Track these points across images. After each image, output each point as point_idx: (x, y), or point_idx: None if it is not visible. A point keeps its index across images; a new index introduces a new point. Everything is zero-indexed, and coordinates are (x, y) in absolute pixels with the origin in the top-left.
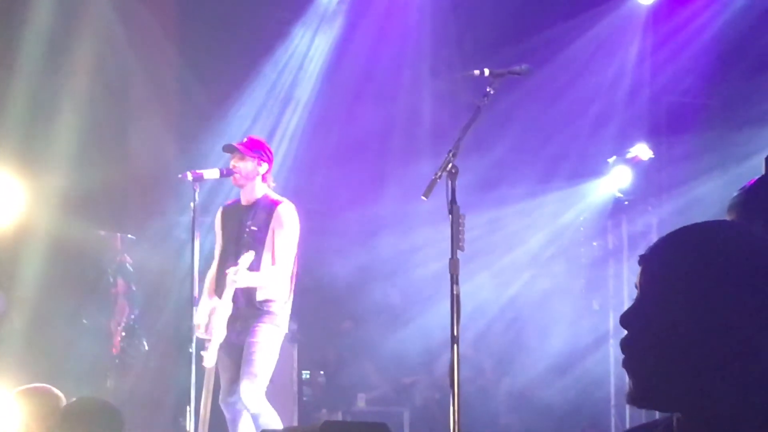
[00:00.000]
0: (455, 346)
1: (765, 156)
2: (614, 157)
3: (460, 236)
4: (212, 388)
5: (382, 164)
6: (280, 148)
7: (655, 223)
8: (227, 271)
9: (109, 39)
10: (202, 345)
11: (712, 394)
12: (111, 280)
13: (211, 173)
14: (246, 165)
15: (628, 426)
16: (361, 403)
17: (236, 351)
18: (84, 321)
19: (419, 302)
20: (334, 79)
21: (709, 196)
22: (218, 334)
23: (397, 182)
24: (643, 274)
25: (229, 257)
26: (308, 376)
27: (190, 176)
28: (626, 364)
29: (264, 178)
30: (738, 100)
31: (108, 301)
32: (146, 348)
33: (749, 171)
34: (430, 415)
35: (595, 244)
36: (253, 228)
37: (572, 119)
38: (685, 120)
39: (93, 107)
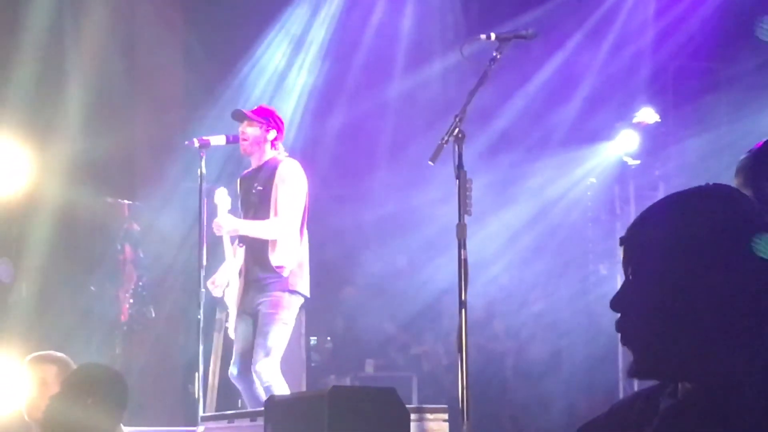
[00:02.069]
0: (463, 311)
1: None
2: (621, 122)
3: (468, 201)
4: (221, 354)
5: (389, 133)
6: (287, 113)
7: (663, 187)
8: (214, 220)
9: (115, 6)
10: (213, 312)
11: (711, 362)
12: (119, 247)
13: (218, 140)
14: (253, 130)
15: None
16: (369, 368)
17: (249, 318)
18: (92, 288)
19: (426, 267)
20: (339, 48)
21: (717, 160)
22: (233, 300)
23: (402, 148)
24: (626, 254)
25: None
26: (315, 342)
27: (196, 143)
28: (624, 342)
29: (273, 145)
30: (744, 63)
31: (116, 269)
32: (154, 315)
33: (757, 134)
34: (439, 380)
35: (602, 208)
36: (259, 188)
37: (579, 84)
38: (692, 83)
39: (99, 75)
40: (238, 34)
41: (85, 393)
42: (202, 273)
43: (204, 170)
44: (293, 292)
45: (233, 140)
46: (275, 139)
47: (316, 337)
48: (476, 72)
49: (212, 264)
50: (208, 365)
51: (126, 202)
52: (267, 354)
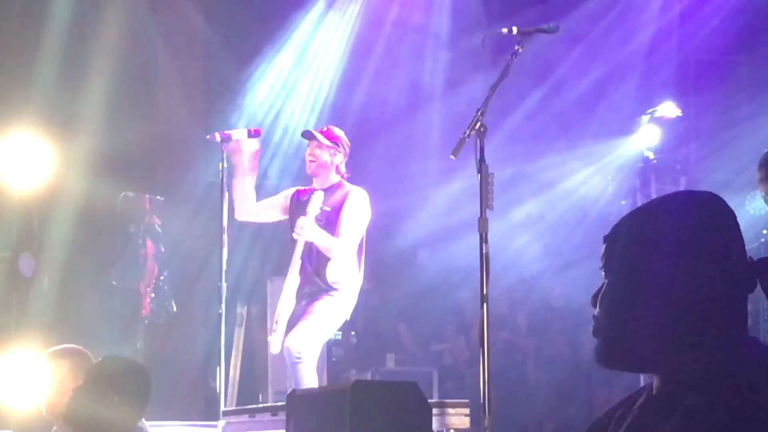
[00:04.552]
0: (485, 305)
1: None
2: (644, 116)
3: (489, 195)
4: (242, 349)
5: (409, 126)
6: (305, 108)
7: (684, 182)
8: (297, 221)
9: (135, 1)
10: (234, 307)
11: (680, 353)
12: (140, 241)
13: (239, 134)
14: (321, 153)
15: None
16: (390, 363)
17: None
18: (113, 283)
19: (449, 262)
20: (359, 40)
21: (738, 153)
22: (286, 310)
23: (424, 142)
24: (606, 252)
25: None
26: (339, 337)
27: (218, 137)
28: (595, 332)
29: (338, 169)
30: (766, 56)
31: (137, 263)
32: (175, 309)
33: None
34: (459, 374)
35: (623, 203)
36: (326, 209)
37: (599, 77)
38: (713, 78)
39: (121, 69)
40: (259, 26)
41: (107, 386)
42: (224, 267)
43: (225, 164)
44: (341, 302)
45: (254, 134)
46: (341, 162)
47: (340, 332)
48: (497, 66)
49: (233, 258)
50: (230, 360)
51: (147, 196)
52: (304, 331)
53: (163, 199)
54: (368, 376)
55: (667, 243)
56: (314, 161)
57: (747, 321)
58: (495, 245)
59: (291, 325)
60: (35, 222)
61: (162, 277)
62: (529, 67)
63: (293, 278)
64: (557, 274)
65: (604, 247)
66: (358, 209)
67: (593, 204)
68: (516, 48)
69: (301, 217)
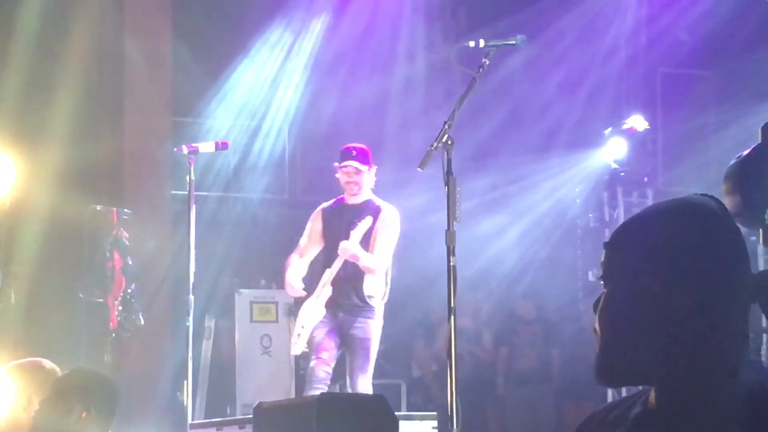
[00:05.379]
0: (452, 317)
1: (761, 125)
2: (610, 129)
3: (456, 207)
4: (210, 362)
5: (378, 137)
6: (275, 121)
7: (651, 194)
8: (339, 244)
9: (103, 13)
10: (202, 320)
11: (681, 367)
12: (107, 254)
13: (207, 146)
14: (362, 177)
15: (624, 395)
16: None
17: (339, 335)
18: (80, 296)
19: (417, 275)
20: (328, 53)
21: (706, 166)
22: (313, 319)
23: (392, 154)
24: (607, 257)
25: (332, 254)
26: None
27: (185, 150)
28: (600, 343)
29: (370, 184)
30: (734, 71)
31: (104, 276)
32: (142, 322)
33: (745, 141)
34: (427, 386)
35: (591, 215)
36: (361, 225)
37: (567, 90)
38: (681, 91)
39: (88, 82)
40: (226, 42)
41: (74, 399)
42: (191, 280)
43: (193, 177)
44: (378, 321)
45: (222, 147)
46: (373, 178)
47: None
48: (464, 78)
49: (201, 271)
50: (197, 372)
51: (115, 209)
52: (366, 374)
53: (130, 212)
54: (336, 389)
55: (662, 255)
56: (357, 185)
57: (747, 336)
58: (463, 258)
59: (322, 339)
60: (2, 235)
61: (129, 291)
62: (496, 79)
63: (326, 289)
64: (527, 286)
65: (603, 254)
66: (391, 226)
67: (562, 216)
68: (483, 61)
69: (344, 242)
